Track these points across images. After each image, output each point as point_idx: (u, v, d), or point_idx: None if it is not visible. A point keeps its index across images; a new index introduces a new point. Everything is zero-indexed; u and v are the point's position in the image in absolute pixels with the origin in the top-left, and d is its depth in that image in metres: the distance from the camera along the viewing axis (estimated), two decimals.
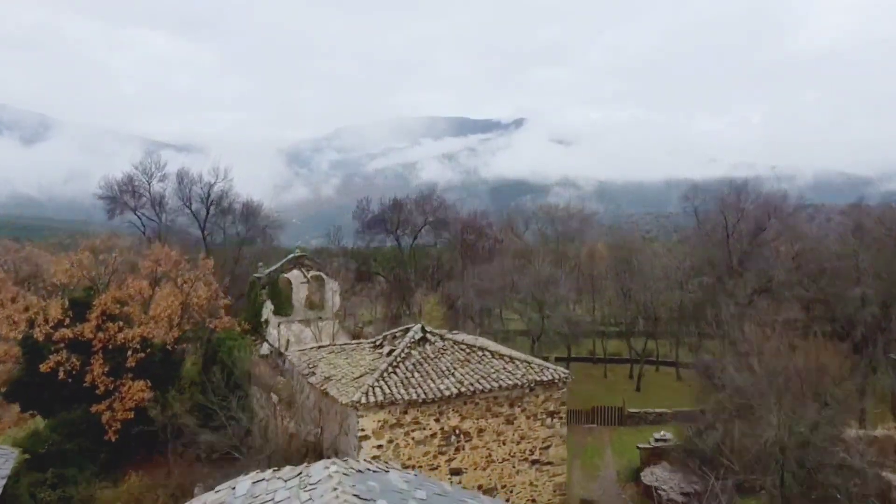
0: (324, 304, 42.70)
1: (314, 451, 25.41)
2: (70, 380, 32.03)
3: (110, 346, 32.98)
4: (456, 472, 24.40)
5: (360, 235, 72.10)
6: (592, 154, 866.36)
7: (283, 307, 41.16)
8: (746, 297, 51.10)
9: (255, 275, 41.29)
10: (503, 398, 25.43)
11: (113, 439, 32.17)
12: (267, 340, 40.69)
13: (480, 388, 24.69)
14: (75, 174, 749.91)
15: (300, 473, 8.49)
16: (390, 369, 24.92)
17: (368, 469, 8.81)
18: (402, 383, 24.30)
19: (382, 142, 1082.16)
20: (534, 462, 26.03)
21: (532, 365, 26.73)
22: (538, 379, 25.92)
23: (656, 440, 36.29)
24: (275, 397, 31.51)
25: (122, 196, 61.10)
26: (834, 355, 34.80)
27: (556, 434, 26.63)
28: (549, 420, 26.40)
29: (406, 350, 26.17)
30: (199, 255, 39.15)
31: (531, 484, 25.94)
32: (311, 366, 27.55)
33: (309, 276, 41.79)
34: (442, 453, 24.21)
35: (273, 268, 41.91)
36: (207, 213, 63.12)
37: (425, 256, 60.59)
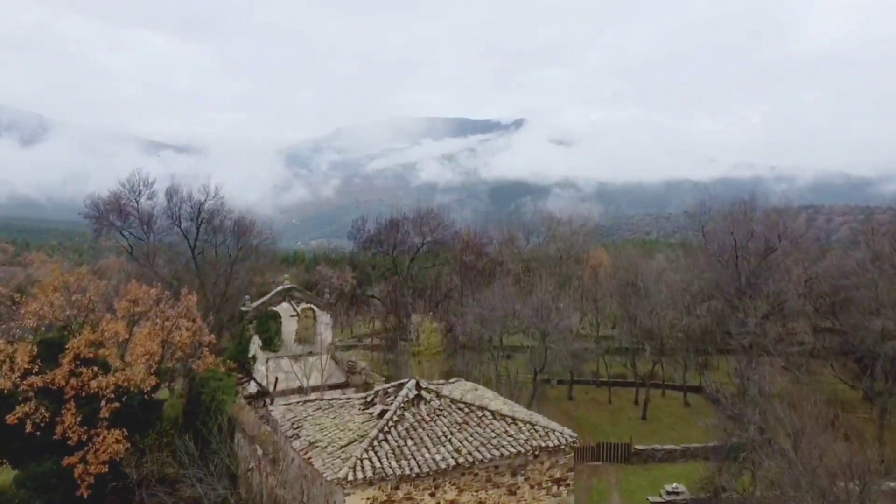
0: (315, 339, 40.41)
1: None
2: (39, 432, 29.86)
3: (83, 394, 30.78)
4: None
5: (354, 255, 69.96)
6: (592, 154, 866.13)
7: (272, 342, 38.90)
8: (758, 324, 48.81)
9: (242, 308, 39.03)
10: (505, 467, 23.18)
11: (85, 495, 29.97)
12: (254, 378, 38.45)
13: (480, 457, 22.45)
14: (74, 175, 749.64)
15: None
16: (381, 436, 22.68)
17: None
18: (394, 453, 22.07)
19: (382, 142, 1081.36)
20: None
21: (536, 427, 24.44)
22: (543, 445, 23.65)
23: (668, 493, 33.98)
24: (259, 450, 29.31)
25: (108, 215, 58.78)
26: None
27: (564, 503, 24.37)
28: (555, 488, 24.14)
29: (399, 412, 23.94)
30: (182, 290, 36.84)
31: None
32: (295, 426, 25.29)
33: (299, 309, 39.53)
34: None
35: (260, 301, 39.64)
36: (198, 231, 60.83)
37: (423, 274, 58.33)
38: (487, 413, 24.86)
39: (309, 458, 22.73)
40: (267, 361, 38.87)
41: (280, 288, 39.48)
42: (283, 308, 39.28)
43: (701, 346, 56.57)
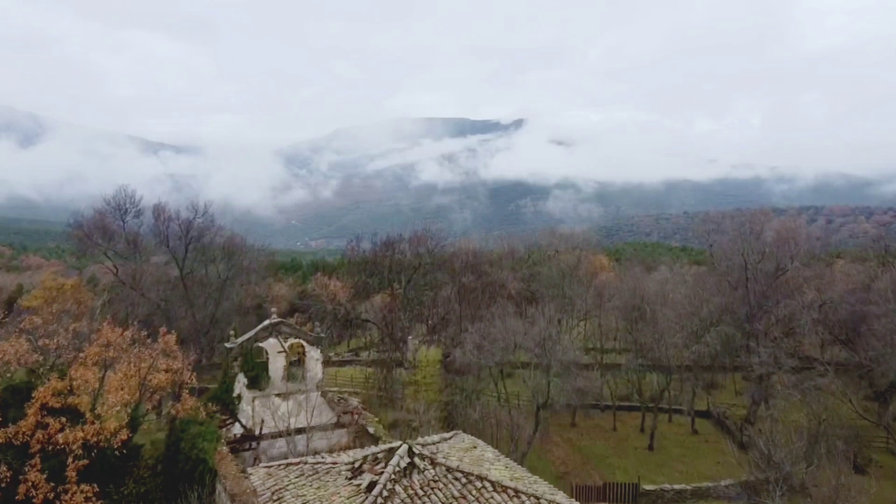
0: (304, 375, 38.07)
1: None
2: None
3: (50, 449, 28.45)
4: None
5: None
6: (592, 155, 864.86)
7: (258, 380, 36.55)
8: (771, 355, 46.49)
9: (226, 345, 36.65)
10: None
11: None
12: (239, 420, 36.11)
13: None
14: (73, 176, 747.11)
15: None
16: None
17: None
18: None
19: (381, 143, 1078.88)
20: None
21: (541, 502, 22.11)
22: None
23: None
24: None
25: (93, 234, 56.48)
26: None
27: None
28: None
29: (389, 484, 21.61)
30: (161, 329, 34.50)
31: None
32: (275, 496, 22.96)
33: (287, 344, 37.19)
34: None
35: (246, 336, 37.26)
36: (186, 250, 58.54)
37: (420, 295, 55.92)
38: (487, 484, 22.51)
39: None
40: (253, 401, 36.52)
41: (267, 322, 37.13)
42: (271, 344, 36.94)
43: (710, 372, 54.26)
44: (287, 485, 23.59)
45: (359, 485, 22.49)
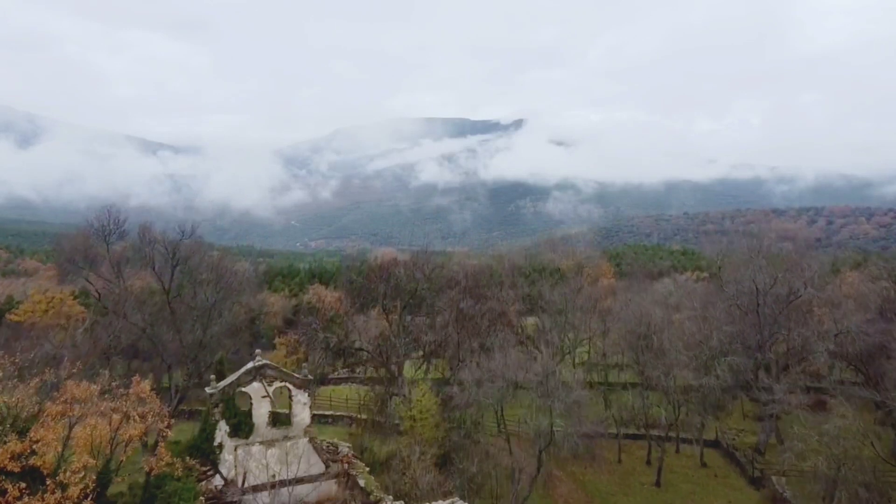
0: (291, 420, 35.60)
1: None
2: None
3: None
4: None
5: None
6: (592, 155, 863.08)
7: (241, 427, 34.09)
8: (786, 392, 44.09)
9: (207, 390, 34.21)
10: None
11: None
12: (220, 472, 33.67)
13: None
14: (72, 176, 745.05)
15: None
16: None
17: None
18: None
19: (381, 143, 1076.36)
20: None
21: None
22: None
23: None
24: None
25: (74, 257, 54.04)
26: None
27: None
28: None
29: None
30: (133, 378, 32.03)
31: None
32: None
33: (272, 388, 34.74)
34: None
35: (228, 381, 34.80)
36: (173, 273, 56.06)
37: (417, 322, 53.48)
38: None
39: None
40: (235, 450, 34.08)
41: (250, 366, 34.67)
42: (254, 388, 34.47)
43: (720, 404, 51.88)
44: None
45: None
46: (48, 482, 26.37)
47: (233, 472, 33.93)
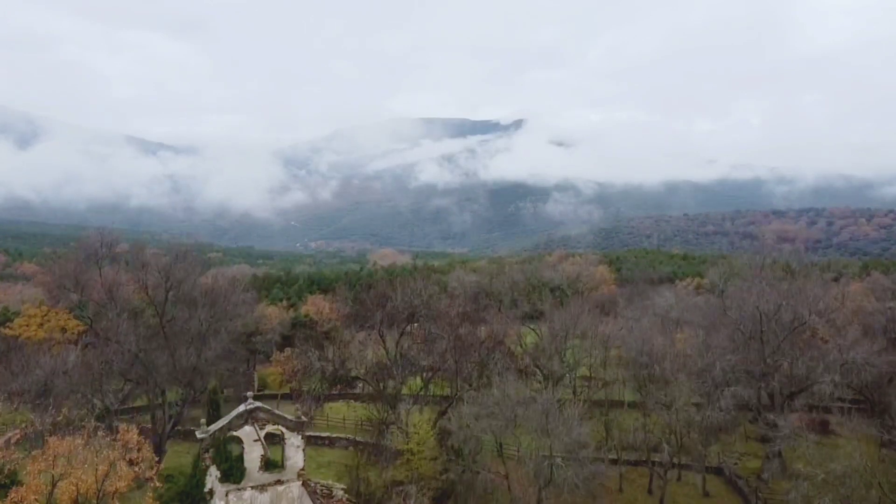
0: (284, 464, 34.76)
1: None
2: None
3: None
4: None
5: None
6: (592, 156, 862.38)
7: (233, 472, 33.29)
8: (790, 426, 43.25)
9: (198, 434, 33.40)
10: None
11: None
12: None
13: None
14: (71, 177, 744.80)
15: None
16: None
17: None
18: None
19: (381, 143, 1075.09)
20: None
21: None
22: None
23: None
24: None
25: (63, 282, 53.18)
26: None
27: None
28: None
29: None
30: (121, 426, 31.22)
31: None
32: None
33: (263, 432, 33.92)
34: None
35: (219, 425, 33.98)
36: (166, 297, 55.15)
37: (414, 349, 52.55)
38: None
39: None
40: (227, 495, 33.27)
41: (242, 409, 33.86)
42: (246, 432, 33.66)
43: (723, 426, 50.87)
44: None
45: None
46: None
47: None
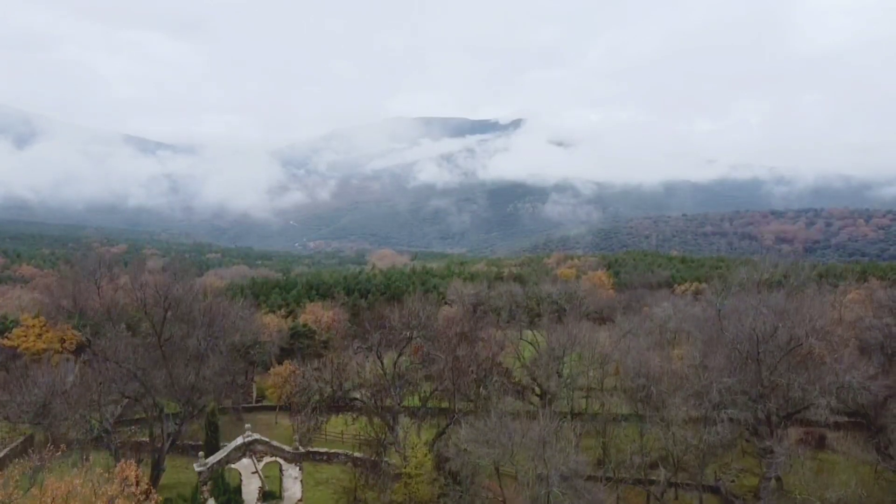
0: (282, 495, 34.90)
1: None
2: None
3: None
4: None
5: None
6: (591, 156, 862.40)
7: None
8: (786, 451, 43.42)
9: (196, 467, 33.52)
10: None
11: None
12: None
13: None
14: (69, 177, 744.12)
15: None
16: None
17: None
18: None
19: (380, 143, 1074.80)
20: None
21: None
22: None
23: None
24: None
25: (60, 301, 53.25)
26: None
27: None
28: None
29: None
30: (120, 462, 31.28)
31: None
32: None
33: (262, 464, 34.06)
34: None
35: (217, 458, 34.12)
36: (164, 316, 55.20)
37: (413, 371, 52.65)
38: None
39: None
40: None
41: (240, 441, 33.98)
42: (244, 465, 33.81)
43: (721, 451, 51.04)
44: None
45: None
46: None
47: None
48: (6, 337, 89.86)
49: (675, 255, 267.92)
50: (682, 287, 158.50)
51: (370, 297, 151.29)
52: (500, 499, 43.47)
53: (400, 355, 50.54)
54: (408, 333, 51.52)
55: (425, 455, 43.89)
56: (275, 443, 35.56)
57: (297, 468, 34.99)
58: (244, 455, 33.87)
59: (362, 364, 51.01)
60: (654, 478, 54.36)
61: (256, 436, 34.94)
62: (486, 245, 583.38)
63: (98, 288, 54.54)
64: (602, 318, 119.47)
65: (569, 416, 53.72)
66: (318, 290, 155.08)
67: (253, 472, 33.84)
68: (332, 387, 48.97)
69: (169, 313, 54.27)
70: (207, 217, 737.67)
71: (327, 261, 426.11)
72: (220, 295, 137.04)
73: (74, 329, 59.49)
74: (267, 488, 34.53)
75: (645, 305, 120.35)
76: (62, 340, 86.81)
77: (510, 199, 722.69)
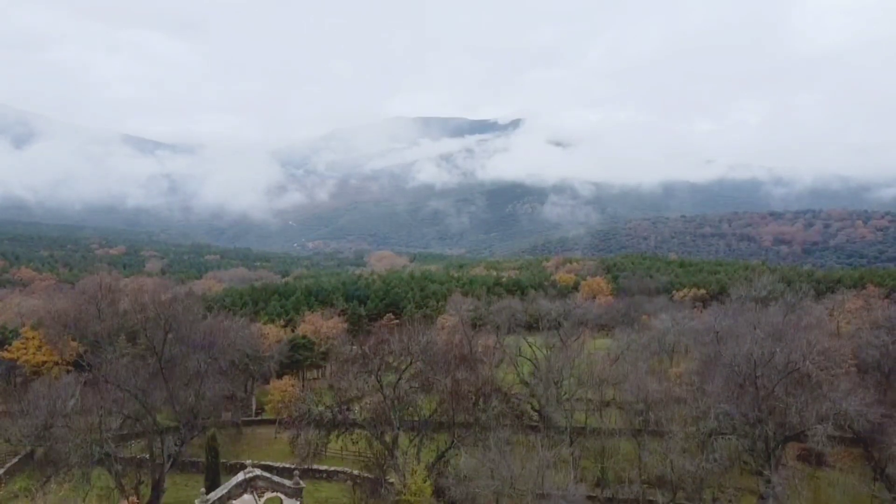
0: None
1: None
2: None
3: None
4: None
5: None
6: (590, 156, 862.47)
7: None
8: (782, 481, 43.70)
9: (197, 503, 33.77)
10: None
11: None
12: None
13: None
14: (68, 176, 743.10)
15: None
16: None
17: None
18: None
19: (379, 143, 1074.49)
20: None
21: None
22: None
23: None
24: None
25: (65, 326, 53.43)
26: None
27: None
28: None
29: None
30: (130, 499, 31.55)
31: None
32: None
33: (262, 500, 34.34)
34: None
35: (218, 494, 34.39)
36: (165, 338, 55.41)
37: (412, 395, 52.82)
38: None
39: None
40: None
41: (241, 478, 34.26)
42: (245, 501, 34.07)
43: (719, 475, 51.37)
44: None
45: None
46: None
47: None
48: (6, 349, 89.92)
49: (674, 258, 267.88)
50: (681, 293, 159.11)
51: (369, 304, 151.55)
52: None
53: (399, 379, 50.79)
54: (408, 359, 51.75)
55: (424, 480, 44.16)
56: (276, 478, 35.84)
57: (298, 503, 35.26)
58: (245, 491, 34.16)
59: (362, 388, 51.23)
60: (651, 498, 54.72)
61: (258, 472, 35.22)
62: (485, 246, 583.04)
63: (99, 311, 54.65)
64: (602, 324, 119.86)
65: (567, 436, 53.97)
66: (318, 297, 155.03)
67: None
68: (332, 412, 49.21)
69: (170, 335, 54.46)
70: (206, 217, 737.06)
71: (326, 262, 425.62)
72: (219, 301, 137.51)
73: (73, 339, 59.68)
74: None
75: (644, 315, 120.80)
76: (62, 352, 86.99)
77: (509, 199, 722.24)
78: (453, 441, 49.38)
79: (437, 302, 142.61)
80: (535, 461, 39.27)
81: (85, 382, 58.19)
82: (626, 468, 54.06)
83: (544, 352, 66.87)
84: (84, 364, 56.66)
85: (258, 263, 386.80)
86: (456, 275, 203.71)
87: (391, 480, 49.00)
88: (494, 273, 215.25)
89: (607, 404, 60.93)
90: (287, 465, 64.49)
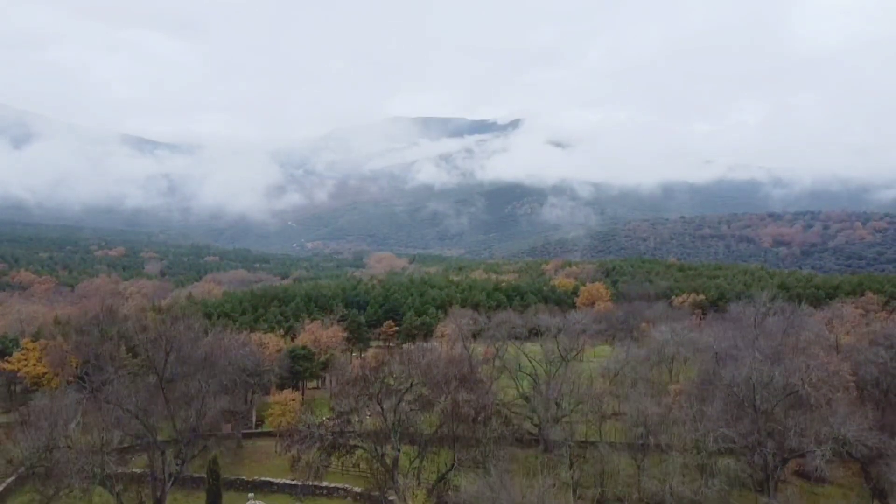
0: None
1: None
2: None
3: None
4: None
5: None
6: (590, 156, 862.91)
7: None
8: None
9: None
10: None
11: None
12: None
13: None
14: (67, 176, 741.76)
15: None
16: None
17: None
18: None
19: (378, 143, 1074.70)
20: None
21: None
22: None
23: None
24: None
25: (66, 350, 53.52)
26: None
27: None
28: None
29: None
30: None
31: None
32: None
33: None
34: None
35: None
36: (166, 360, 55.51)
37: (412, 417, 52.99)
38: None
39: None
40: None
41: None
42: None
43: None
44: None
45: None
46: None
47: None
48: (6, 360, 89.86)
49: (673, 262, 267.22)
50: (681, 299, 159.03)
51: (368, 311, 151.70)
52: None
53: (399, 402, 50.95)
54: (409, 382, 51.91)
55: (424, 502, 44.32)
56: None
57: None
58: None
59: (363, 411, 51.39)
60: None
61: (259, 503, 35.43)
62: (484, 247, 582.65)
63: (101, 332, 54.80)
64: (601, 331, 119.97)
65: (567, 457, 54.05)
66: (317, 303, 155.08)
67: None
68: (332, 434, 49.37)
69: (171, 357, 54.61)
70: (205, 218, 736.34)
71: (325, 263, 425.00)
72: (219, 308, 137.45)
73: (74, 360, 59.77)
74: None
75: (644, 322, 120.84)
76: (62, 360, 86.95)
77: (508, 200, 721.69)
78: (454, 463, 49.57)
79: (437, 309, 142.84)
80: (535, 489, 39.49)
81: (86, 399, 58.28)
82: (625, 491, 54.31)
83: (544, 366, 67.13)
84: (85, 382, 56.73)
85: (258, 265, 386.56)
86: (455, 279, 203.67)
87: (392, 499, 49.18)
88: (494, 277, 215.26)
89: (607, 419, 61.08)
90: (288, 482, 64.83)
